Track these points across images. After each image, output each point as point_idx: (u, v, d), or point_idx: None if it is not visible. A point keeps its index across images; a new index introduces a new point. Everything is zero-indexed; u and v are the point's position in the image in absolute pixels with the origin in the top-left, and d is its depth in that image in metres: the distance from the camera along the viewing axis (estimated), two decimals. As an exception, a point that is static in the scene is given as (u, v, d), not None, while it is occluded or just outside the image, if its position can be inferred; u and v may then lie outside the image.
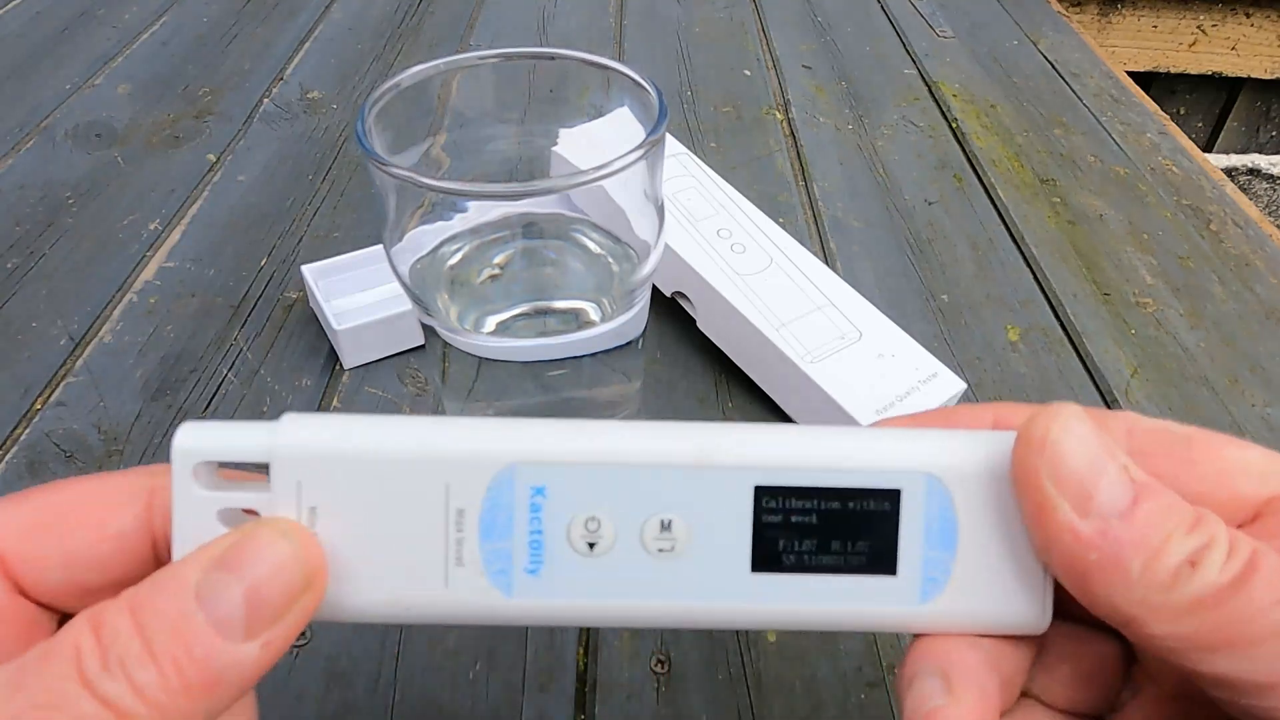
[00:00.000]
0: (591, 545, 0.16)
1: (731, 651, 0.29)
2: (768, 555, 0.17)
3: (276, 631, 0.14)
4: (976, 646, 0.17)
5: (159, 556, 0.16)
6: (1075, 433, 0.15)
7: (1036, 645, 0.17)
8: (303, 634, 0.29)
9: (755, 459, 0.17)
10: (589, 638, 0.30)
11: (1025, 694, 0.18)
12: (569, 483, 0.16)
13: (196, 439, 0.16)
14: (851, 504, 0.17)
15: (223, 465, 0.16)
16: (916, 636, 0.17)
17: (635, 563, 0.17)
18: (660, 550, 0.17)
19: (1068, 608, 0.16)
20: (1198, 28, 1.11)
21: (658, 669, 0.29)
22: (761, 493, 0.16)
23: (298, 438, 0.16)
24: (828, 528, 0.17)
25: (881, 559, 0.17)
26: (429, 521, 0.16)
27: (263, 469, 0.16)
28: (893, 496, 0.17)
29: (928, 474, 0.17)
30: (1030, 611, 0.17)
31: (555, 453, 0.16)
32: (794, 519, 0.17)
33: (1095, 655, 0.18)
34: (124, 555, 0.16)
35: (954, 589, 0.17)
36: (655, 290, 0.39)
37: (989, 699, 0.16)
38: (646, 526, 0.16)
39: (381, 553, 0.16)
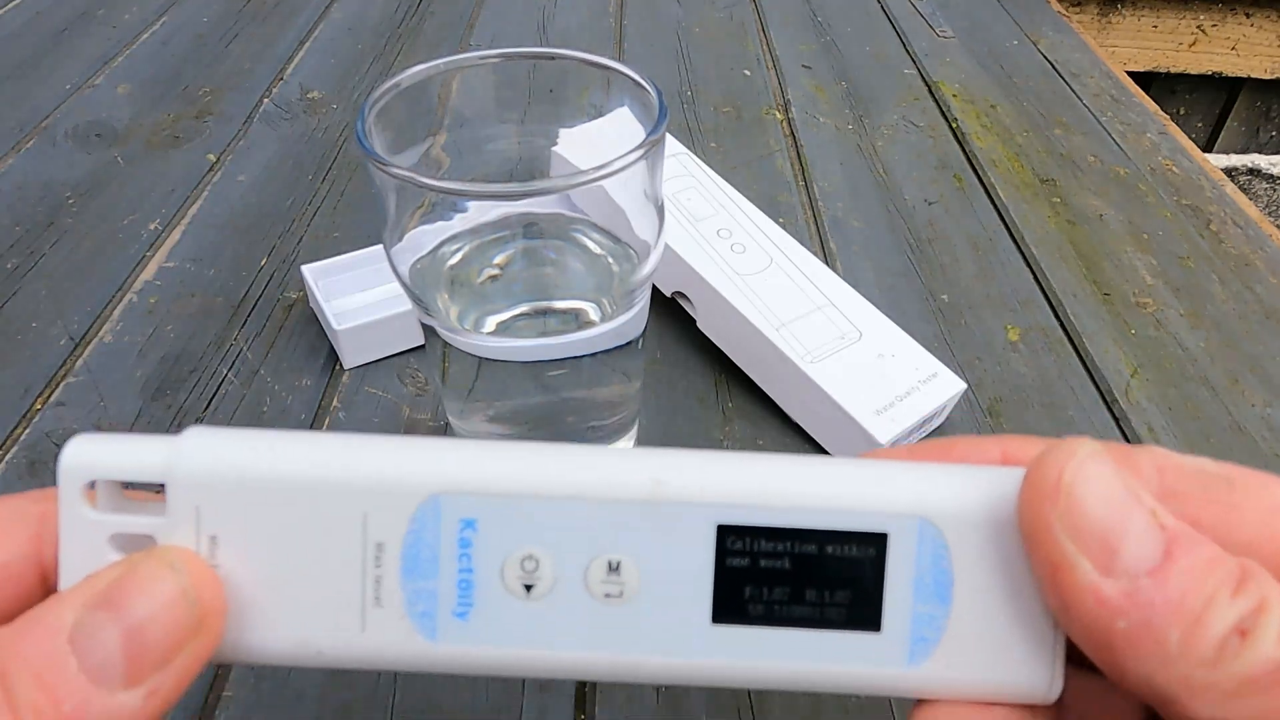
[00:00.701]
0: (528, 587, 0.15)
1: (731, 651, 0.29)
2: (731, 605, 0.15)
3: (163, 678, 0.13)
4: (988, 718, 0.14)
5: (50, 590, 0.15)
6: (1093, 474, 0.13)
7: (1056, 708, 0.15)
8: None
9: (719, 494, 0.15)
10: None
11: None
12: (503, 516, 0.15)
13: (86, 454, 0.14)
14: (830, 549, 0.14)
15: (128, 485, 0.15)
16: (917, 703, 0.15)
17: (578, 609, 0.15)
18: (607, 595, 0.15)
19: (1084, 656, 0.14)
20: (1198, 28, 1.11)
21: (658, 669, 0.29)
22: (725, 533, 0.14)
23: (198, 457, 0.14)
24: (802, 575, 0.14)
25: (864, 613, 0.15)
26: (344, 556, 0.14)
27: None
28: (878, 542, 0.14)
29: (920, 517, 0.14)
30: (1038, 678, 0.14)
31: (487, 482, 0.15)
32: (763, 564, 0.14)
33: (1117, 715, 0.15)
34: (7, 588, 0.15)
35: (947, 650, 0.15)
36: (655, 290, 0.39)
37: None
38: (592, 568, 0.15)
39: (291, 590, 0.14)
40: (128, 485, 0.15)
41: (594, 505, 0.15)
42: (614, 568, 0.15)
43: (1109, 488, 0.13)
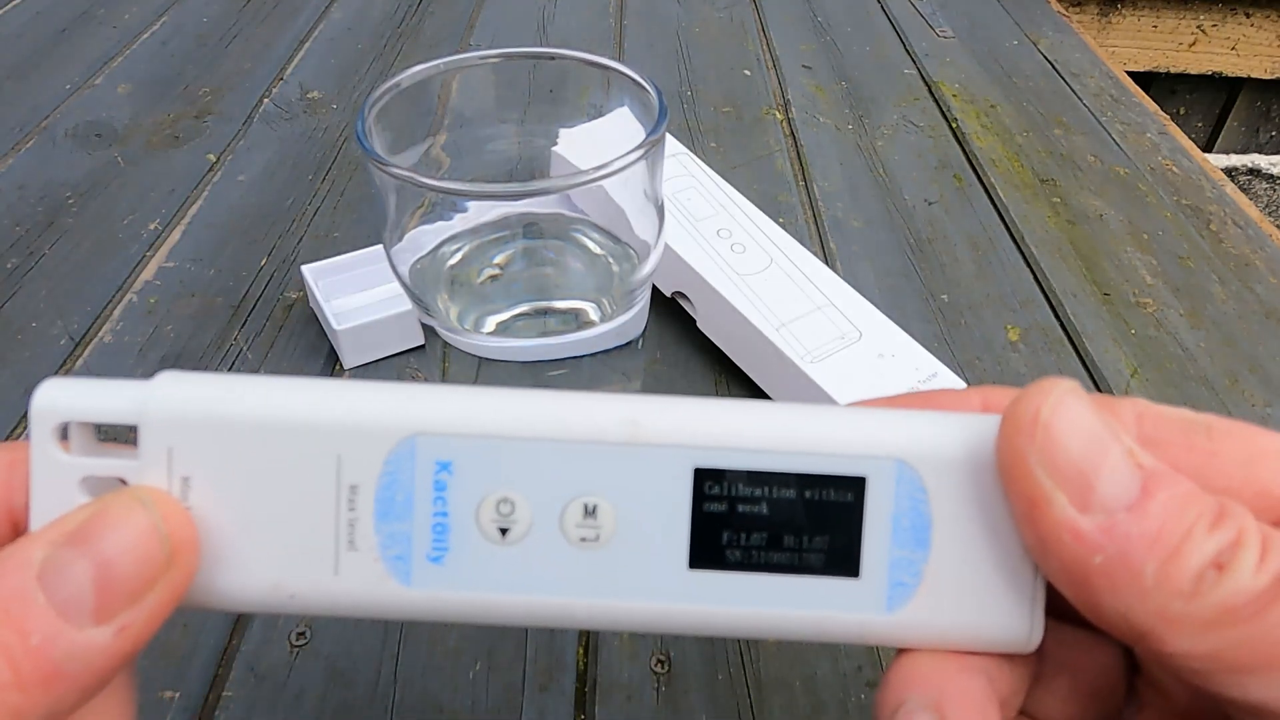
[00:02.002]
0: (504, 531, 0.14)
1: (731, 651, 0.29)
2: (708, 550, 0.14)
3: (134, 615, 0.13)
4: (971, 670, 0.14)
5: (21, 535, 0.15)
6: (1071, 411, 0.13)
7: (1036, 659, 0.15)
8: (302, 633, 0.29)
9: (696, 436, 0.14)
10: (589, 638, 0.30)
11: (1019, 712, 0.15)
12: (479, 458, 0.14)
13: (58, 397, 0.14)
14: (808, 493, 0.14)
15: (100, 427, 0.15)
16: (899, 653, 0.15)
17: (554, 553, 0.14)
18: (583, 539, 0.14)
19: (1063, 608, 0.14)
20: (1198, 28, 1.11)
21: (658, 669, 0.29)
22: (703, 476, 0.14)
23: (171, 398, 0.14)
24: (780, 520, 0.14)
25: (842, 558, 0.14)
26: (318, 498, 0.14)
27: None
28: (856, 485, 0.14)
29: (898, 460, 0.14)
30: (1018, 626, 0.14)
31: (463, 423, 0.14)
32: (740, 508, 0.14)
33: (1097, 666, 0.15)
34: None
35: (926, 596, 0.14)
36: (655, 290, 0.39)
37: None
38: (568, 511, 0.14)
39: (264, 533, 0.14)
40: (102, 436, 0.15)
41: (570, 447, 0.14)
42: (590, 511, 0.14)
43: (1086, 424, 0.13)
